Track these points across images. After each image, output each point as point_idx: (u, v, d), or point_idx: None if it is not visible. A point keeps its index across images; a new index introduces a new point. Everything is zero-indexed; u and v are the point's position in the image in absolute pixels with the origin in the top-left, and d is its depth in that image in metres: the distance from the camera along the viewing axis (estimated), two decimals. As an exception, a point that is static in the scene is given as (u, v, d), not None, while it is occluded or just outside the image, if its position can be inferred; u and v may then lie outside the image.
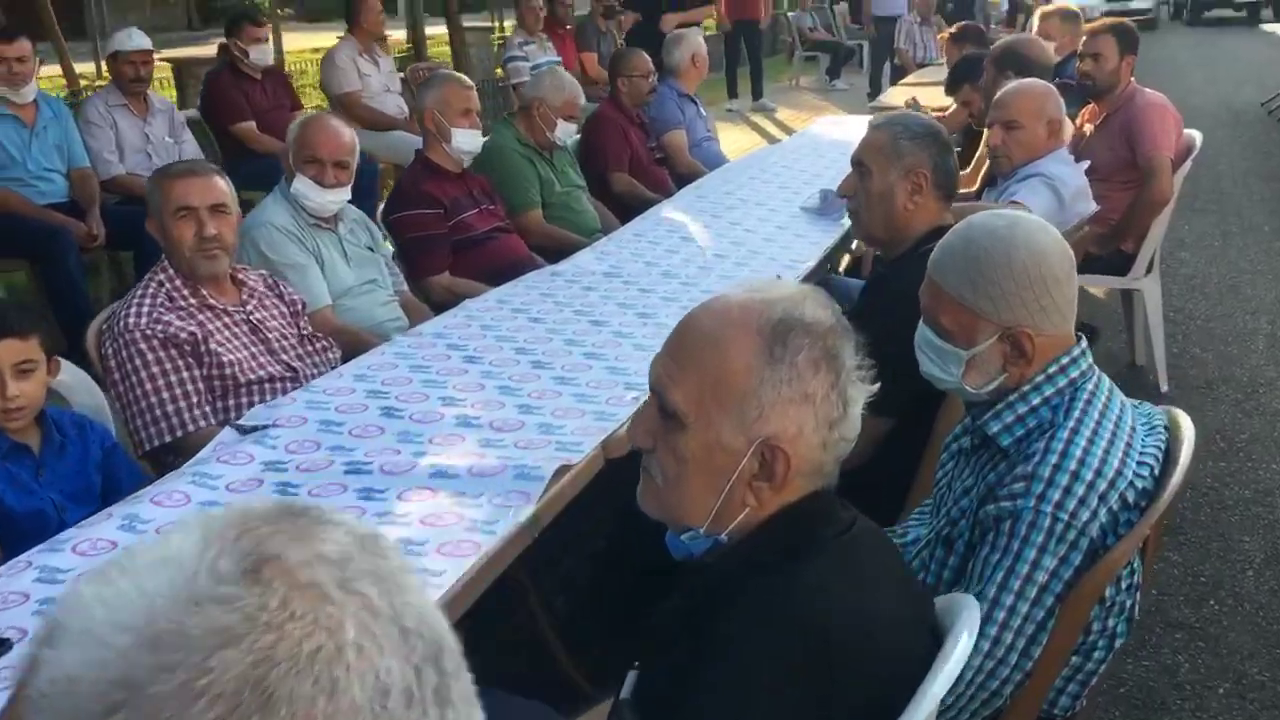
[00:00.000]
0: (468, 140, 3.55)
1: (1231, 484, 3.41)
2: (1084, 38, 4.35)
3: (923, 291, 1.69)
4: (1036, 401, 1.59)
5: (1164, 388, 4.07)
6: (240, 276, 2.55)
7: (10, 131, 4.21)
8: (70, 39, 16.78)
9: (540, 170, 4.12)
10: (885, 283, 2.46)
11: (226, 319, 2.45)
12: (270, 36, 5.63)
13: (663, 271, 3.22)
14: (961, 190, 2.83)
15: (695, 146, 5.35)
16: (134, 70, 4.73)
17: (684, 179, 4.92)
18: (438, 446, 2.01)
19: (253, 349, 2.45)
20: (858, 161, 2.46)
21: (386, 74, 6.42)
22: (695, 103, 5.43)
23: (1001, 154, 3.18)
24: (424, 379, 2.36)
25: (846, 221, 3.28)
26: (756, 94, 11.88)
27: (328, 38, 12.43)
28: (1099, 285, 4.48)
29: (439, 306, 3.34)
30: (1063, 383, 1.59)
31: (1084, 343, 1.64)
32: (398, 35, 10.58)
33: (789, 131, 9.99)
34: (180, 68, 7.98)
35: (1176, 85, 11.00)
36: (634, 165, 4.82)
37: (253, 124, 5.48)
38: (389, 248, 3.45)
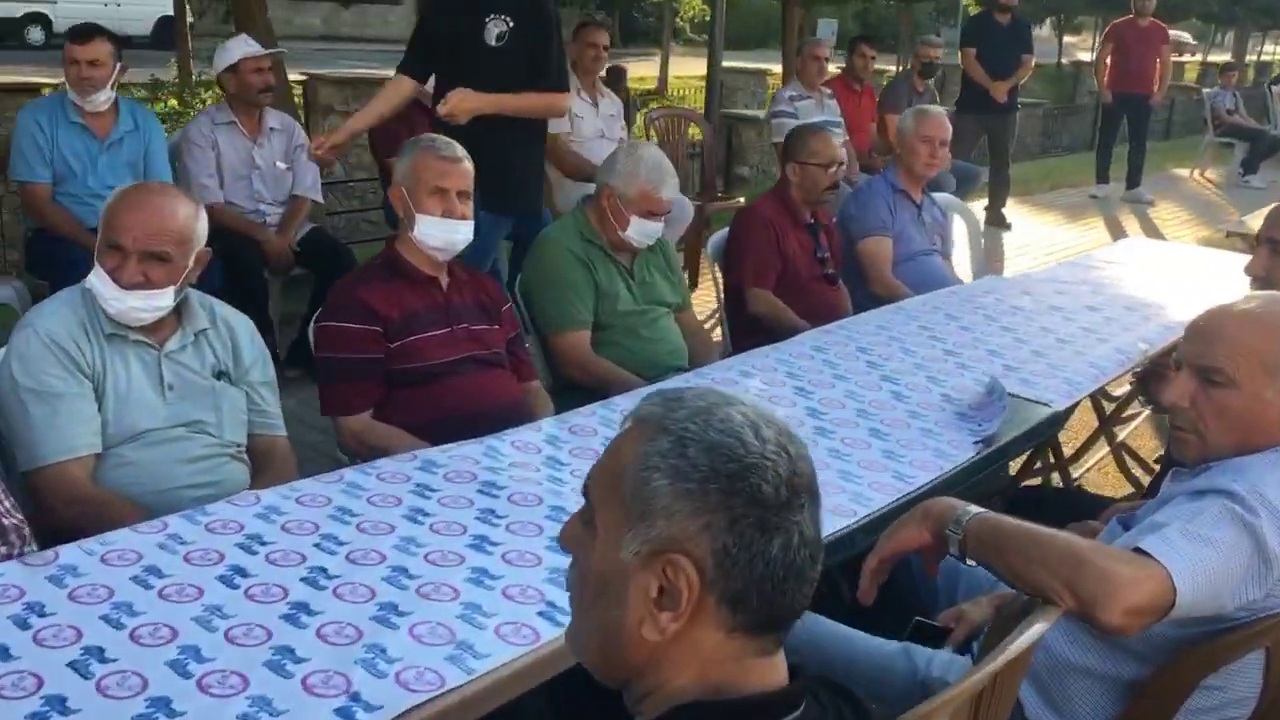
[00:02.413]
0: (436, 231, 2.56)
1: None
2: None
3: None
4: None
5: None
6: None
7: (76, 142, 3.78)
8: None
9: (602, 278, 3.04)
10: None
11: None
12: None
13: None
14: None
15: (907, 261, 3.99)
16: (263, 79, 4.18)
17: (880, 301, 3.63)
18: None
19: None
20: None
21: (606, 117, 5.56)
22: (920, 204, 4.07)
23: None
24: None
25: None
26: (1132, 182, 9.86)
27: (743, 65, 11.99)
28: None
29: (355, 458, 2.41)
30: None
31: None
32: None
33: (1157, 236, 8.06)
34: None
35: None
36: (787, 281, 3.59)
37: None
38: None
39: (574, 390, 2.98)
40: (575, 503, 1.14)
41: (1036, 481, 3.73)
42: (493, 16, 3.55)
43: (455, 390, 2.57)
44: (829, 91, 6.58)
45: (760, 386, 2.62)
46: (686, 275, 4.68)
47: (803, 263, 3.62)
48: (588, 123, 5.45)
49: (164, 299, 2.12)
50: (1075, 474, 4.17)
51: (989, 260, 7.42)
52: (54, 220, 3.72)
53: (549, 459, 2.19)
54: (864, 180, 4.17)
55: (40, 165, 3.72)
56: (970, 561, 1.51)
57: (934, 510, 1.56)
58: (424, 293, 2.61)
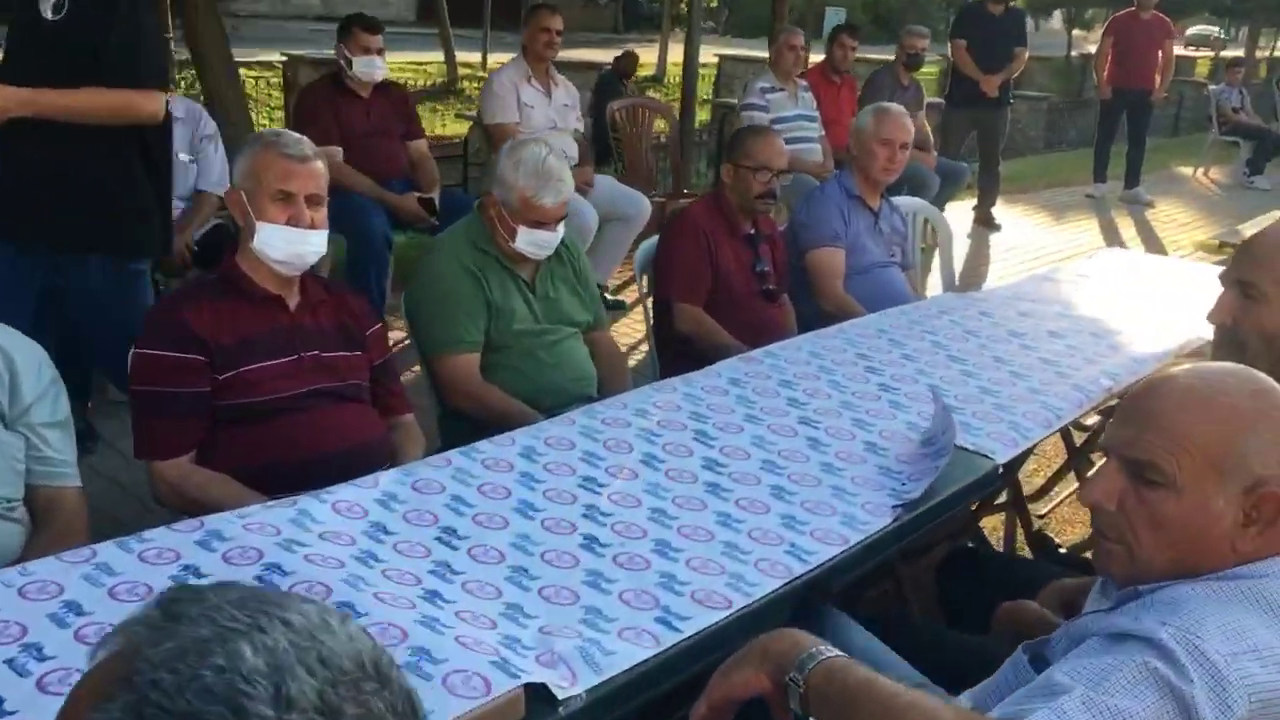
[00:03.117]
0: (280, 242, 2.19)
1: None
2: None
3: None
4: None
5: None
6: None
7: None
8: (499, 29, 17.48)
9: (495, 293, 2.67)
10: None
11: None
12: (383, 47, 4.55)
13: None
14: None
15: (862, 274, 3.62)
16: None
17: (830, 318, 3.26)
18: None
19: None
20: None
21: (559, 107, 5.19)
22: (878, 212, 3.69)
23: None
24: None
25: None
26: (1130, 181, 9.47)
27: (747, 53, 11.55)
28: None
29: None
30: None
31: None
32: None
33: (1155, 247, 7.69)
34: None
35: None
36: (721, 296, 3.22)
37: (338, 150, 4.45)
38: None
39: (462, 421, 2.63)
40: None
41: (996, 520, 3.37)
42: None
43: (296, 428, 2.20)
44: (805, 84, 6.18)
45: (654, 430, 2.26)
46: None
47: (738, 277, 3.25)
48: (538, 113, 5.10)
49: None
50: (1042, 510, 3.81)
51: (974, 264, 7.06)
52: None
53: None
54: (815, 186, 3.79)
55: None
56: None
57: (774, 649, 1.19)
58: (265, 314, 2.24)
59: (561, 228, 2.69)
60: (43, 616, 1.46)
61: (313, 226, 2.22)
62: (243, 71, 12.12)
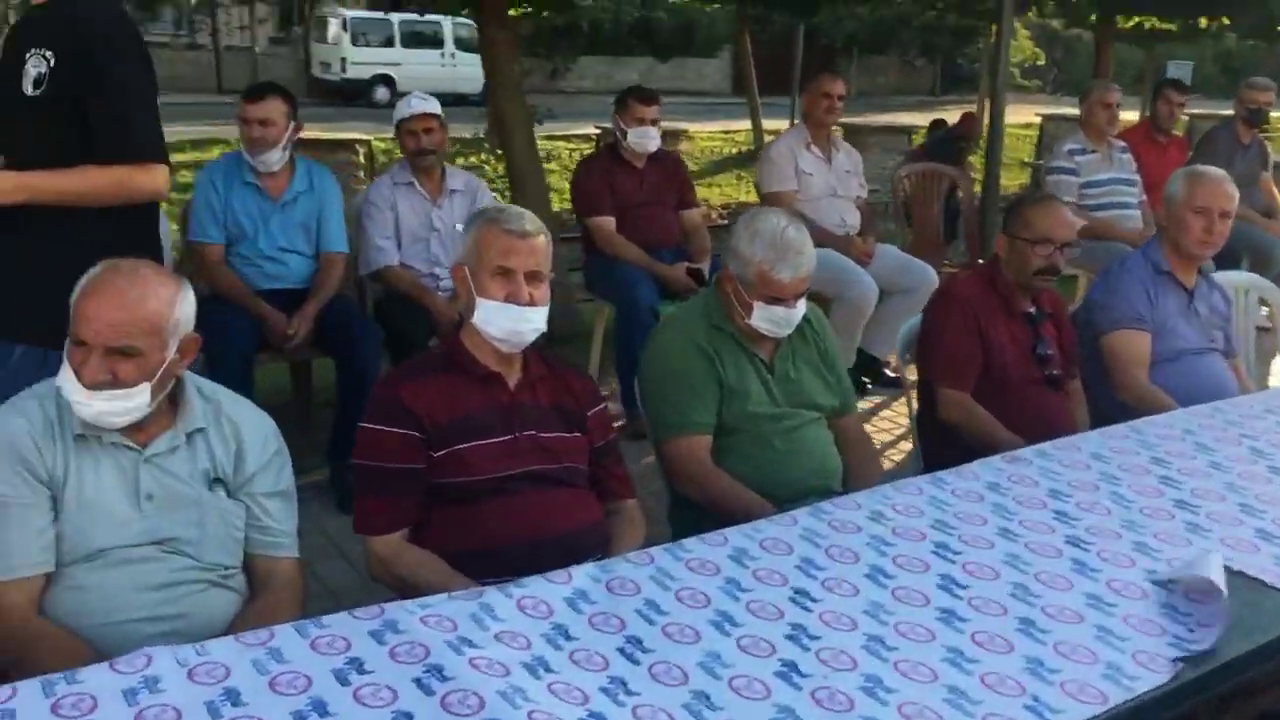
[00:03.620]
0: (499, 319, 2.14)
1: None
2: None
3: None
4: None
5: None
6: None
7: (249, 202, 3.70)
8: (771, 94, 17.59)
9: (730, 373, 2.50)
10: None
11: None
12: (658, 118, 4.54)
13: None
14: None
15: (1172, 361, 3.13)
16: (415, 141, 3.99)
17: (1131, 413, 2.84)
18: None
19: None
20: None
21: (840, 174, 4.98)
22: (1192, 291, 3.20)
23: None
24: None
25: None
26: None
27: (1073, 112, 10.86)
28: None
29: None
30: None
31: None
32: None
33: None
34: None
35: None
36: (995, 383, 2.88)
37: (610, 220, 4.48)
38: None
39: (691, 510, 2.47)
40: None
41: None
42: (33, 52, 2.34)
43: (507, 511, 2.12)
44: (1122, 144, 5.61)
45: (886, 539, 1.99)
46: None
47: (1015, 360, 2.89)
48: (817, 180, 4.92)
49: (137, 399, 1.83)
50: None
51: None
52: (219, 282, 3.66)
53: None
54: (1116, 260, 3.34)
55: (212, 226, 3.68)
56: None
57: None
58: (484, 392, 2.19)
59: (802, 304, 2.48)
60: (200, 703, 1.43)
61: (532, 303, 2.15)
62: (560, 144, 12.86)
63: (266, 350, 3.62)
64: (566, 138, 13.33)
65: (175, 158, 3.14)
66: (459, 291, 2.23)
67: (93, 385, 1.78)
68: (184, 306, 1.88)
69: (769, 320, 2.45)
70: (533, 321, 2.16)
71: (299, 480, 2.13)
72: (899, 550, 1.95)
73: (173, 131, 4.01)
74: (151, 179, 2.41)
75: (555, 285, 2.30)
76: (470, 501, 2.13)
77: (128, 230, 2.38)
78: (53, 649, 1.72)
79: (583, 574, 1.82)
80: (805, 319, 2.55)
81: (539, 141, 8.51)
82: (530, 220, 2.18)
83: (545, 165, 7.02)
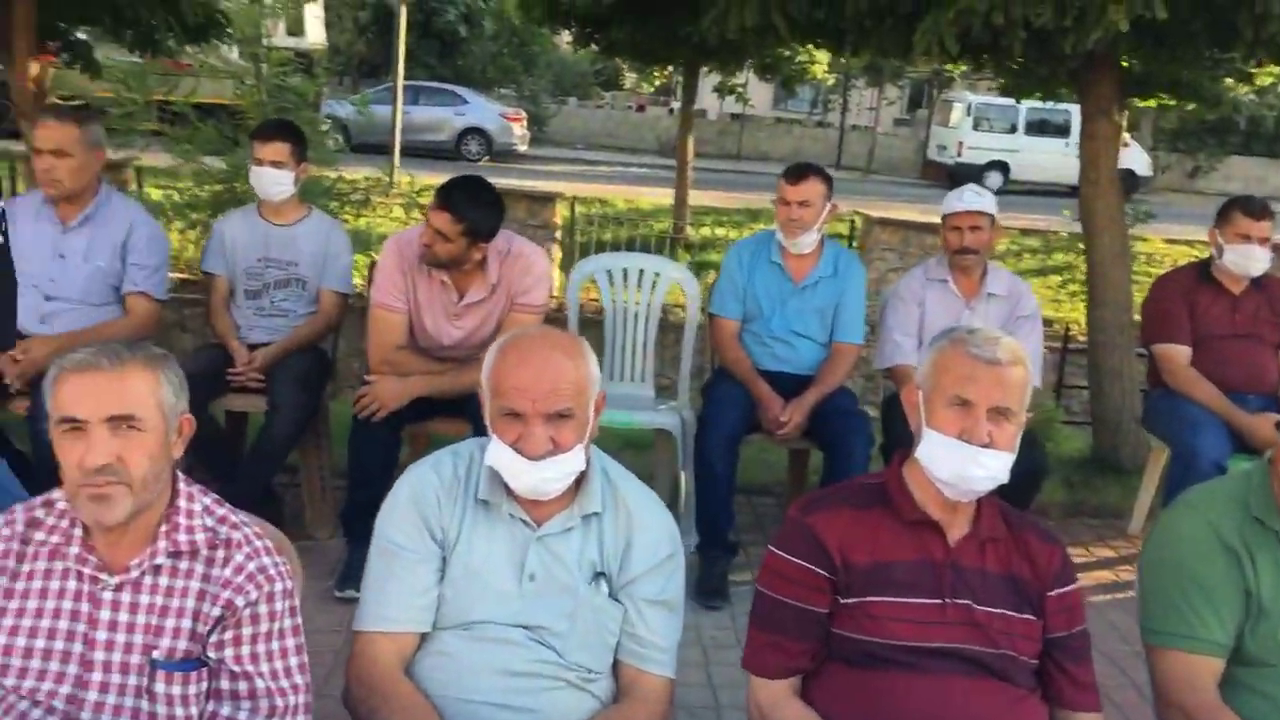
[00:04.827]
0: (945, 456, 1.77)
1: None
2: None
3: None
4: None
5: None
6: None
7: (771, 282, 3.61)
8: None
9: (1260, 585, 1.85)
10: None
11: None
12: (1269, 236, 3.68)
13: None
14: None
15: None
16: (959, 239, 3.61)
17: None
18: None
19: None
20: None
21: None
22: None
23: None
24: None
25: None
26: None
27: None
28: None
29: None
30: None
31: None
32: None
33: None
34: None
35: None
36: None
37: (1185, 350, 3.76)
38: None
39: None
40: None
41: None
42: None
43: (910, 691, 1.75)
44: None
45: None
46: None
47: None
48: None
49: (575, 461, 1.78)
50: None
51: None
52: (728, 356, 3.64)
53: None
54: None
55: (733, 300, 3.68)
56: None
57: None
58: (915, 540, 1.83)
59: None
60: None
61: (990, 444, 1.76)
62: (1160, 247, 11.48)
63: (758, 432, 3.53)
64: (1189, 242, 11.87)
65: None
66: (908, 417, 1.90)
67: (537, 457, 1.75)
68: (594, 364, 1.81)
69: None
70: (988, 468, 1.77)
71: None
72: None
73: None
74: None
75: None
76: (870, 666, 1.79)
77: None
78: (403, 709, 1.70)
79: None
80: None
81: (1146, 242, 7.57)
82: (1005, 348, 1.79)
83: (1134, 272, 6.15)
